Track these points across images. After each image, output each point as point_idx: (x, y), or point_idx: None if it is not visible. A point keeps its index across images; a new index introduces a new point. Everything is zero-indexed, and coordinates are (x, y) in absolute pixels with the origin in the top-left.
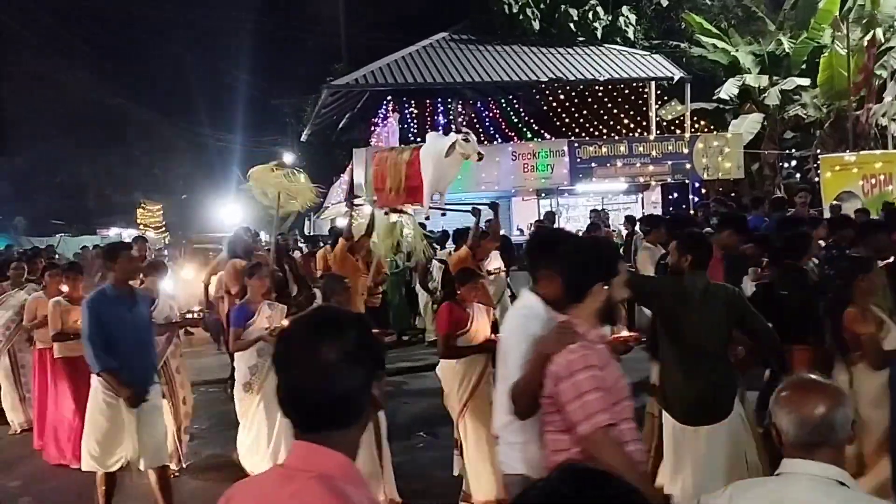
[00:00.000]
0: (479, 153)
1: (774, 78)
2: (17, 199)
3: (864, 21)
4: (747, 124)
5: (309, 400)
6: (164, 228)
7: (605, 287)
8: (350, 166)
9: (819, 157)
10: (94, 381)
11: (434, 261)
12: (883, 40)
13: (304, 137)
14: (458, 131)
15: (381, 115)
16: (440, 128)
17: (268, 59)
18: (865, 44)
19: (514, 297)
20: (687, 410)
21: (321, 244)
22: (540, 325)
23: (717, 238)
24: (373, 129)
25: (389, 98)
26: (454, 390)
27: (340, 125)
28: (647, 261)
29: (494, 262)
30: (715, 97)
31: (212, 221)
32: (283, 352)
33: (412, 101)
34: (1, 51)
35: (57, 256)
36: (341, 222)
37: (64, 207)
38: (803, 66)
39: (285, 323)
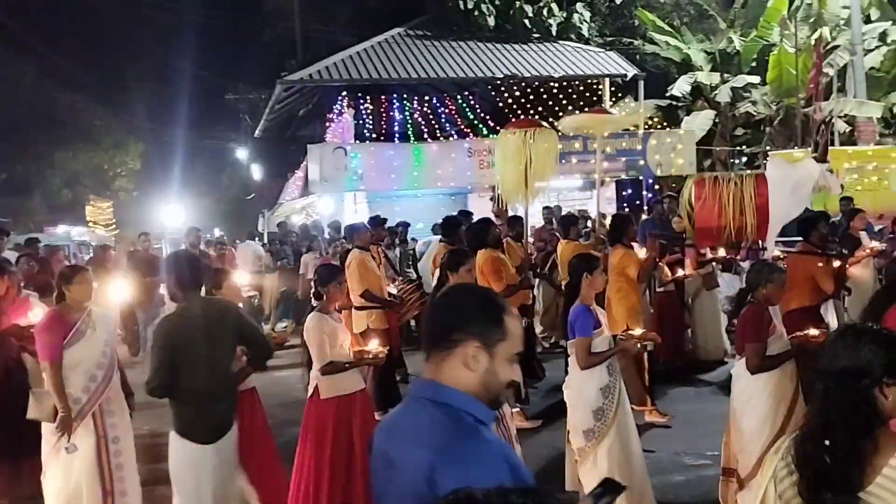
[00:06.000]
0: (841, 185)
1: (725, 75)
2: None
3: (812, 20)
4: (699, 121)
5: None
6: (114, 226)
7: None
8: (305, 162)
9: (768, 153)
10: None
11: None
12: (830, 39)
13: (258, 133)
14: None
15: (337, 111)
16: (396, 124)
17: (222, 55)
18: (813, 42)
19: None
20: None
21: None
22: None
23: None
24: (328, 124)
25: (344, 94)
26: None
27: (295, 121)
28: None
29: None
30: (668, 94)
31: (156, 221)
32: None
33: (367, 97)
34: None
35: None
36: (296, 219)
37: (9, 205)
38: (753, 64)
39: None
